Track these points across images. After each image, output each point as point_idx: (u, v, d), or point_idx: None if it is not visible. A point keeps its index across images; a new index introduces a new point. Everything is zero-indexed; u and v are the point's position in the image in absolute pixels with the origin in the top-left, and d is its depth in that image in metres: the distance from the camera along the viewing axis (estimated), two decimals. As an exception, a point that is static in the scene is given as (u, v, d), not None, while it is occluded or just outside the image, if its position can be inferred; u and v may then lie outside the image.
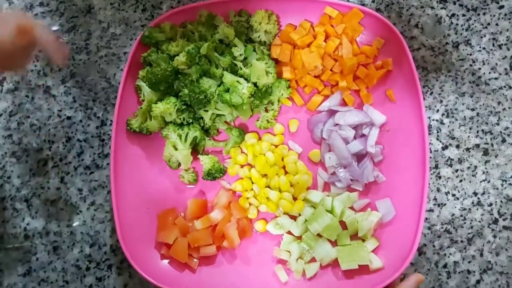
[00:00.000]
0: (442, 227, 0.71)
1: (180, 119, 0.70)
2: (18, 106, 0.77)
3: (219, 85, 0.69)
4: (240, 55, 0.70)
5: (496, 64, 0.75)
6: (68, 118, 0.76)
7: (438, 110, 0.74)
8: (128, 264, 0.71)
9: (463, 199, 0.72)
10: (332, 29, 0.72)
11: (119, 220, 0.67)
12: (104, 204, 0.74)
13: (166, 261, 0.69)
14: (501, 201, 0.71)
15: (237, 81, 0.69)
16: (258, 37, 0.72)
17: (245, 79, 0.70)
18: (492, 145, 0.73)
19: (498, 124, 0.73)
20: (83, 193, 0.74)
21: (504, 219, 0.71)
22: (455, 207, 0.71)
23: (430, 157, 0.73)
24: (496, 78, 0.75)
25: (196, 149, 0.72)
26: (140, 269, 0.66)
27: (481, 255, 0.70)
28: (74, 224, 0.73)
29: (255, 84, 0.70)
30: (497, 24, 0.76)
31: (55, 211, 0.74)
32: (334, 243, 0.68)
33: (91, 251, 0.72)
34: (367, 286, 0.64)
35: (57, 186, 0.74)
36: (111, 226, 0.73)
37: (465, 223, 0.71)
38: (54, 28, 0.79)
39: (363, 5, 0.77)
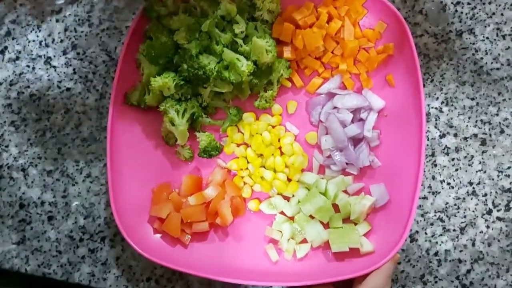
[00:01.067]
0: (435, 215, 0.71)
1: (179, 94, 0.69)
2: (19, 75, 0.77)
3: (218, 62, 0.69)
4: (241, 32, 0.70)
5: (499, 54, 0.74)
6: (68, 89, 0.76)
7: (437, 98, 0.74)
8: (121, 237, 0.71)
9: (458, 188, 0.71)
10: (335, 10, 0.71)
11: (113, 193, 0.68)
12: (100, 176, 0.74)
13: (158, 235, 0.69)
14: (496, 192, 0.71)
15: (237, 59, 0.68)
16: (261, 15, 0.72)
17: (245, 57, 0.69)
18: (490, 135, 0.73)
19: (497, 114, 0.73)
20: (80, 165, 0.74)
21: (498, 210, 0.71)
22: (450, 196, 0.71)
23: (427, 145, 0.72)
24: (498, 69, 0.74)
25: (193, 126, 0.72)
26: (133, 242, 0.67)
27: (473, 244, 0.70)
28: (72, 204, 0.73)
29: (255, 63, 0.69)
30: (502, 14, 0.75)
31: (51, 181, 0.74)
32: (326, 226, 0.69)
33: (85, 222, 0.73)
34: (357, 269, 0.64)
35: (54, 157, 0.75)
36: (106, 199, 0.73)
37: (458, 212, 0.71)
38: (60, 1, 0.79)
39: (368, -12, 0.76)
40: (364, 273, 0.63)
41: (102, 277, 0.72)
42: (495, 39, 0.75)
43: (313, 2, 0.72)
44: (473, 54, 0.75)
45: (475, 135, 0.73)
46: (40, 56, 0.77)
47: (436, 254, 0.70)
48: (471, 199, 0.71)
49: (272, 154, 0.71)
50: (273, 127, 0.73)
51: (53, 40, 0.78)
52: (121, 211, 0.68)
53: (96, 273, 0.72)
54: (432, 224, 0.71)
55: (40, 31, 0.78)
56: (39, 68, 0.77)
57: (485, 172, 0.72)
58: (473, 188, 0.71)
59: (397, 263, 0.69)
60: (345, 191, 0.70)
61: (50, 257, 0.72)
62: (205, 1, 0.70)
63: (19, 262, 0.72)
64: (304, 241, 0.68)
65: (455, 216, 0.71)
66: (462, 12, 0.76)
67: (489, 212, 0.71)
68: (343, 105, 0.70)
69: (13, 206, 0.74)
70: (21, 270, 0.72)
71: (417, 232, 0.71)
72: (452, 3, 0.76)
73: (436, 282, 0.70)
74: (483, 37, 0.75)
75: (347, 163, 0.70)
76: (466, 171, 0.72)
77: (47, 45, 0.78)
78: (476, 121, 0.73)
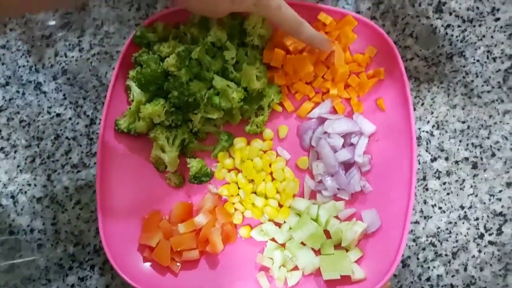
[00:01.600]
0: (427, 240, 0.71)
1: (169, 121, 0.69)
2: (9, 101, 0.77)
3: (209, 89, 0.69)
4: (232, 58, 0.70)
5: (490, 77, 0.74)
6: (58, 115, 0.76)
7: (428, 122, 0.74)
8: (111, 265, 0.71)
9: (450, 212, 0.71)
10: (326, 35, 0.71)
11: (102, 221, 0.67)
12: (90, 203, 0.73)
13: (148, 264, 0.68)
14: (487, 216, 0.71)
15: (228, 85, 0.68)
16: (251, 41, 0.72)
17: (236, 83, 0.69)
18: (481, 158, 0.72)
19: (488, 138, 0.73)
20: (69, 192, 0.74)
21: (490, 234, 0.71)
22: (441, 220, 0.71)
23: (419, 169, 0.72)
24: (488, 91, 0.74)
25: (183, 152, 0.72)
26: (122, 271, 0.66)
27: (465, 269, 0.70)
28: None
29: (245, 89, 0.69)
30: (492, 37, 0.76)
31: (40, 208, 0.74)
32: (318, 252, 0.68)
33: (74, 250, 0.72)
34: (349, 296, 0.64)
35: (44, 183, 0.74)
36: (95, 226, 0.73)
37: (450, 236, 0.71)
38: (51, 23, 0.79)
39: (359, 12, 0.76)
40: (356, 301, 0.63)
41: (92, 305, 0.71)
42: (485, 62, 0.75)
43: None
44: (464, 77, 0.75)
45: (466, 159, 0.72)
46: (30, 82, 0.77)
47: (428, 279, 0.70)
48: (463, 223, 0.71)
49: (263, 180, 0.71)
50: (264, 152, 0.72)
51: (44, 65, 0.78)
52: (110, 239, 0.67)
53: (86, 301, 0.71)
54: (424, 249, 0.71)
55: (30, 56, 0.78)
56: (29, 94, 0.77)
57: (476, 196, 0.72)
58: (465, 212, 0.71)
59: None
60: (337, 217, 0.69)
61: (40, 285, 0.71)
62: (195, 28, 0.70)
63: (8, 291, 0.71)
64: (296, 268, 0.68)
65: (447, 240, 0.71)
66: (452, 35, 0.76)
67: (481, 236, 0.71)
68: (333, 130, 0.70)
69: (3, 234, 0.73)
70: (10, 299, 0.71)
71: (409, 257, 0.70)
72: (442, 26, 0.76)
73: (429, 308, 0.69)
74: (474, 59, 0.75)
75: (338, 188, 0.70)
76: (457, 195, 0.72)
77: (37, 70, 0.78)
78: (467, 145, 0.73)
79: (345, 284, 0.66)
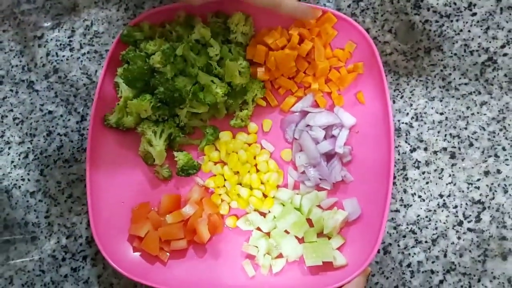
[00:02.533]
0: (407, 227, 0.73)
1: (156, 116, 0.72)
2: (2, 99, 0.80)
3: (194, 84, 0.71)
4: (216, 55, 0.72)
5: (467, 70, 0.77)
6: (50, 112, 0.79)
7: (408, 114, 0.76)
8: (103, 256, 0.73)
9: (429, 201, 0.74)
10: (307, 32, 0.74)
11: (93, 213, 0.70)
12: (81, 197, 0.76)
13: (138, 254, 0.71)
14: (466, 204, 0.73)
15: (212, 81, 0.71)
16: (235, 38, 0.74)
17: (220, 79, 0.72)
18: (459, 148, 0.75)
19: (466, 128, 0.75)
20: (62, 186, 0.76)
21: (468, 221, 0.73)
22: (421, 208, 0.73)
23: (398, 159, 0.75)
24: (466, 84, 0.77)
25: (171, 146, 0.74)
26: (112, 261, 0.68)
27: (445, 255, 0.72)
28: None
29: (229, 84, 0.72)
30: (469, 31, 0.78)
31: (34, 202, 0.76)
32: (301, 240, 0.70)
33: (67, 242, 0.75)
34: (331, 282, 0.66)
35: (37, 178, 0.77)
36: (87, 218, 0.75)
37: (430, 224, 0.73)
38: (46, 24, 0.81)
39: (339, 9, 0.79)
40: (337, 286, 0.65)
41: (84, 295, 0.73)
42: (463, 55, 0.77)
43: (286, 24, 0.75)
44: (442, 70, 0.77)
45: (445, 149, 0.75)
46: (23, 81, 0.80)
47: (409, 265, 0.72)
48: (442, 211, 0.73)
49: (248, 172, 0.73)
50: (249, 145, 0.75)
51: (36, 64, 0.80)
52: (101, 231, 0.70)
53: (78, 291, 0.73)
54: (404, 236, 0.73)
55: (23, 56, 0.81)
56: (22, 92, 0.79)
57: (455, 184, 0.74)
58: (444, 200, 0.74)
59: (368, 275, 0.71)
60: (319, 206, 0.72)
61: (34, 276, 0.74)
62: (180, 26, 0.73)
63: (3, 282, 0.74)
64: (280, 256, 0.70)
65: (426, 228, 0.73)
66: (430, 30, 0.78)
67: (460, 223, 0.73)
68: (315, 123, 0.73)
69: (-2, 227, 0.76)
70: (5, 290, 0.73)
71: (390, 244, 0.73)
72: (420, 21, 0.79)
73: (409, 293, 0.72)
74: (451, 53, 0.78)
75: (320, 179, 0.72)
76: (436, 184, 0.74)
77: (29, 70, 0.80)
78: (446, 135, 0.75)
79: (327, 270, 0.68)
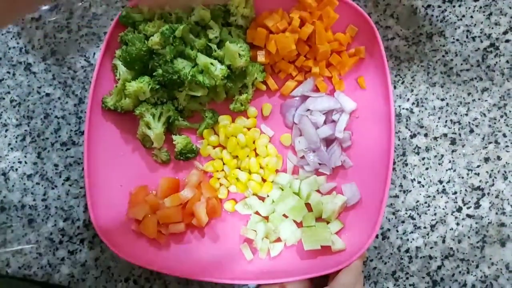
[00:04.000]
0: (406, 213, 0.73)
1: (154, 98, 0.71)
2: (0, 82, 0.79)
3: (193, 66, 0.71)
4: (215, 37, 0.72)
5: (469, 56, 0.76)
6: (47, 95, 0.78)
7: (408, 99, 0.76)
8: (100, 239, 0.73)
9: (428, 187, 0.73)
10: (308, 15, 0.73)
11: (91, 196, 0.69)
12: (79, 180, 0.76)
13: (135, 237, 0.70)
14: (465, 190, 0.73)
15: (211, 63, 0.70)
16: (235, 21, 0.73)
17: (219, 62, 0.71)
18: (459, 135, 0.74)
19: (467, 114, 0.75)
20: (59, 169, 0.76)
21: (468, 208, 0.73)
22: (420, 194, 0.73)
23: (398, 145, 0.74)
24: (467, 70, 0.76)
25: (170, 129, 0.74)
26: (110, 244, 0.68)
27: (443, 241, 0.72)
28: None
29: (229, 67, 0.71)
30: (471, 17, 0.77)
31: (31, 185, 0.76)
32: (299, 224, 0.70)
33: (64, 225, 0.74)
34: (329, 266, 0.66)
35: (34, 161, 0.76)
36: (84, 201, 0.75)
37: (429, 210, 0.73)
38: (44, 6, 0.80)
39: (341, -7, 0.78)
40: (335, 270, 0.65)
41: (81, 278, 0.73)
42: (464, 41, 0.77)
43: (287, 6, 0.74)
44: (443, 56, 0.76)
45: (445, 135, 0.74)
46: (20, 63, 0.79)
47: (407, 251, 0.72)
48: (441, 197, 0.73)
49: (247, 156, 0.73)
50: (248, 129, 0.74)
51: (33, 46, 0.79)
52: (99, 214, 0.69)
53: (75, 274, 0.73)
54: (403, 222, 0.73)
55: (20, 38, 0.80)
56: (19, 74, 0.79)
57: (454, 170, 0.74)
58: (443, 186, 0.73)
59: (367, 260, 0.71)
60: (318, 191, 0.71)
61: (31, 259, 0.74)
62: (180, 8, 0.72)
63: (0, 265, 0.73)
64: (278, 240, 0.70)
65: (425, 214, 0.73)
66: (432, 15, 0.77)
67: (459, 209, 0.73)
68: (315, 107, 0.72)
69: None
70: (2, 272, 0.73)
71: (388, 229, 0.73)
72: (423, 6, 0.78)
73: (407, 278, 0.71)
74: (453, 39, 0.77)
75: (320, 164, 0.72)
76: (436, 170, 0.74)
77: (27, 52, 0.79)
78: (446, 121, 0.75)
79: (325, 254, 0.68)
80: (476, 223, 0.73)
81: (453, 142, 0.74)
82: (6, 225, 0.74)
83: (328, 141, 0.73)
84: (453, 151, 0.74)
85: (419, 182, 0.74)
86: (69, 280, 0.73)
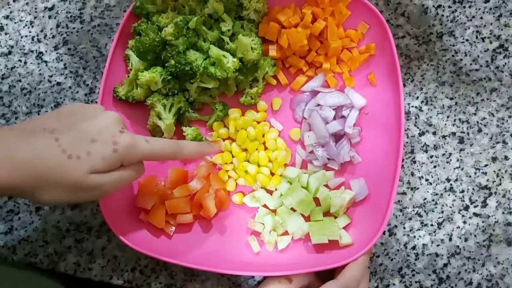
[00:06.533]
0: (413, 210, 0.73)
1: (166, 89, 0.71)
2: (11, 69, 0.79)
3: (205, 58, 0.71)
4: (228, 30, 0.72)
5: (478, 56, 0.77)
6: (58, 84, 0.78)
7: (417, 97, 0.76)
8: (107, 228, 0.73)
9: (436, 185, 0.74)
10: (320, 11, 0.73)
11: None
12: (87, 169, 0.75)
13: (143, 226, 0.70)
14: (473, 189, 0.73)
15: (223, 55, 0.70)
16: (248, 15, 0.74)
17: (231, 54, 0.72)
18: (468, 134, 0.75)
19: (475, 114, 0.75)
20: (68, 157, 0.76)
21: (475, 206, 0.73)
22: (428, 192, 0.73)
23: (407, 142, 0.75)
24: (477, 70, 0.76)
25: (180, 121, 0.74)
26: (118, 232, 0.68)
27: (450, 239, 0.72)
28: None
29: (240, 60, 0.71)
30: (481, 18, 0.78)
31: (39, 173, 0.75)
32: (307, 218, 0.70)
33: (72, 213, 0.74)
34: (335, 260, 0.66)
35: (43, 149, 0.76)
36: (93, 190, 0.74)
37: (436, 207, 0.73)
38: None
39: (352, -9, 0.78)
40: (342, 264, 0.65)
41: (87, 267, 0.73)
42: (474, 41, 0.77)
43: (299, 2, 0.74)
44: (453, 56, 0.77)
45: (453, 134, 0.75)
46: (32, 51, 0.79)
47: (413, 248, 0.72)
48: (449, 195, 0.73)
49: (256, 149, 0.73)
50: (258, 123, 0.75)
51: (45, 35, 0.80)
52: (108, 202, 0.69)
53: (81, 263, 0.73)
54: (410, 219, 0.73)
55: (32, 26, 0.80)
56: (31, 63, 0.79)
57: (462, 169, 0.74)
58: (451, 184, 0.74)
59: (373, 256, 0.71)
60: (326, 186, 0.72)
61: (37, 247, 0.74)
62: (193, 0, 0.72)
63: (6, 252, 0.73)
64: (286, 233, 0.70)
65: (432, 211, 0.73)
66: (443, 15, 0.78)
67: (466, 208, 0.73)
68: (325, 102, 0.72)
69: (2, 197, 0.75)
70: (8, 259, 0.73)
71: (395, 226, 0.73)
72: (433, 6, 0.78)
73: (413, 275, 0.72)
74: (463, 39, 0.78)
75: (328, 159, 0.72)
76: (444, 168, 0.74)
77: (39, 41, 0.80)
78: (455, 120, 0.75)
79: (332, 249, 0.68)
80: (483, 222, 0.73)
81: (461, 141, 0.75)
82: (13, 212, 0.74)
83: (337, 137, 0.73)
84: (461, 149, 0.74)
85: (426, 180, 0.74)
86: (74, 269, 0.73)
